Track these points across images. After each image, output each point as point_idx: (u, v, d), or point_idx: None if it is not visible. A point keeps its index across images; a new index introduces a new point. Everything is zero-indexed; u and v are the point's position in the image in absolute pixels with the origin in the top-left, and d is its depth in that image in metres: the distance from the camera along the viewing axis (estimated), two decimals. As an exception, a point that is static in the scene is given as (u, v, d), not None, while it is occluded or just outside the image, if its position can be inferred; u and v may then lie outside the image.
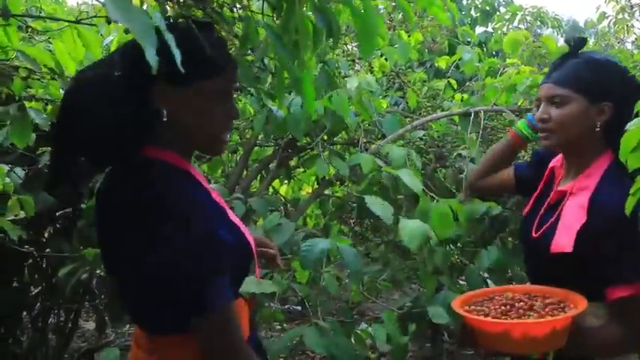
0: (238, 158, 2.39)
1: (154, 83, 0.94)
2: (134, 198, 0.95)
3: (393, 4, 2.60)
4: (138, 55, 0.92)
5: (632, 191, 1.28)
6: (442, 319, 1.83)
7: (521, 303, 1.22)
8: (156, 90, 0.95)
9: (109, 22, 0.98)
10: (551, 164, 1.45)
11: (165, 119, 0.96)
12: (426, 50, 3.48)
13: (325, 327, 1.65)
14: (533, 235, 1.35)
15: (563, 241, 1.23)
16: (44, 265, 2.47)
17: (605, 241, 1.19)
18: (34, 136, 1.67)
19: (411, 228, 1.69)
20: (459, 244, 2.31)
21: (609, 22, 4.01)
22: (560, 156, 1.43)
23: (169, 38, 0.60)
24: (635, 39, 4.09)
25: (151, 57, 0.56)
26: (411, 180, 1.77)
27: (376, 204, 1.73)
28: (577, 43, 1.34)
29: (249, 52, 1.55)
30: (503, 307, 1.22)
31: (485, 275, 2.22)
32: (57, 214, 1.99)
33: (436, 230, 1.75)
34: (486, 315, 1.20)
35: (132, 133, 0.97)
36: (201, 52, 0.92)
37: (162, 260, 0.92)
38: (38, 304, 2.54)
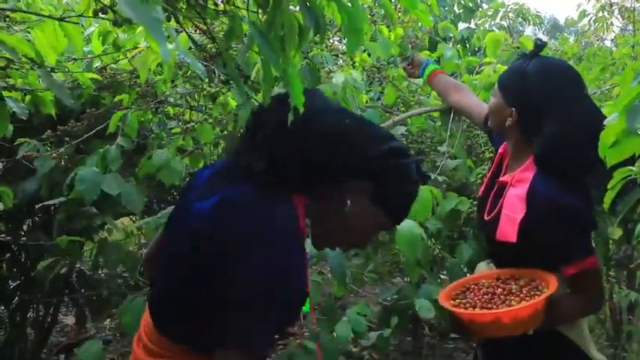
0: (220, 151, 2.38)
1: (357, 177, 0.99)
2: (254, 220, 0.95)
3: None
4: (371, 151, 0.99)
5: (609, 186, 1.33)
6: (429, 312, 1.86)
7: (500, 289, 1.33)
8: (358, 187, 1.00)
9: (96, 14, 0.96)
10: (501, 149, 1.55)
11: (345, 209, 0.99)
12: (410, 46, 3.48)
13: (312, 348, 1.67)
14: (485, 217, 1.46)
15: (507, 230, 1.35)
16: (23, 259, 2.44)
17: (546, 230, 1.31)
18: (11, 127, 1.64)
19: (406, 236, 1.71)
20: (439, 238, 2.33)
21: (589, 20, 4.07)
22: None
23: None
24: (615, 37, 4.16)
25: (164, 52, 0.57)
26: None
27: None
28: (536, 46, 1.44)
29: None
30: (486, 296, 1.31)
31: (465, 270, 2.25)
32: (36, 207, 1.96)
33: (415, 216, 1.77)
34: (474, 306, 1.30)
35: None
36: (406, 206, 1.07)
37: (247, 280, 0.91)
38: (16, 297, 2.51)
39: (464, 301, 1.33)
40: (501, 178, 1.47)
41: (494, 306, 1.28)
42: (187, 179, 1.23)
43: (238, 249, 0.92)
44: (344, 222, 1.02)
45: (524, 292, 1.29)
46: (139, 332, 1.11)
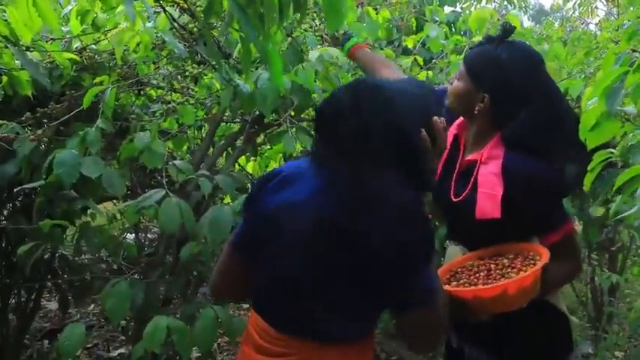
0: (204, 134, 2.35)
1: None
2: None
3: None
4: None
5: (589, 168, 1.34)
6: None
7: (493, 266, 1.32)
8: None
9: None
10: (453, 128, 1.54)
11: None
12: (395, 29, 3.46)
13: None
14: (453, 199, 1.46)
15: (487, 208, 1.35)
16: (3, 244, 2.40)
17: (529, 202, 1.34)
18: (-11, 109, 1.61)
19: None
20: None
21: (574, 5, 4.07)
22: (459, 121, 1.54)
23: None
24: (599, 21, 4.17)
25: (130, 10, 0.56)
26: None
27: None
28: (505, 30, 1.44)
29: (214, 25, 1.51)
30: (481, 274, 1.31)
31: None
32: (15, 190, 1.92)
33: None
34: (475, 285, 1.29)
35: None
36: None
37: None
38: (-3, 283, 2.47)
39: (461, 282, 1.31)
40: (468, 157, 1.46)
41: (494, 280, 1.27)
42: (259, 182, 1.26)
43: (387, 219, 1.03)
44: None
45: (519, 263, 1.29)
46: (248, 332, 1.19)
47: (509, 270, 1.28)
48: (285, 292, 1.12)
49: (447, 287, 1.30)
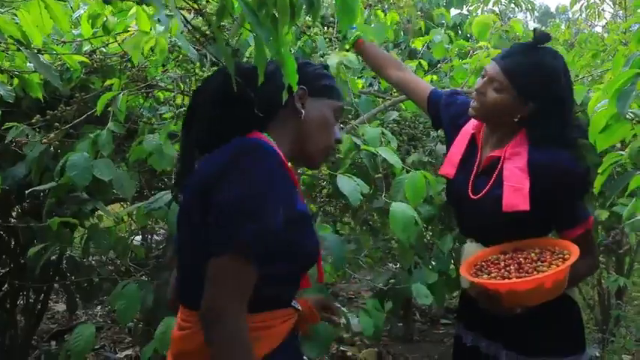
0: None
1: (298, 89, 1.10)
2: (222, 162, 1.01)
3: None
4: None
5: (600, 170, 1.35)
6: (426, 300, 1.84)
7: (521, 259, 1.34)
8: (298, 94, 1.12)
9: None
10: (469, 128, 1.55)
11: (302, 117, 1.12)
12: (402, 32, 3.46)
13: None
14: (472, 196, 1.46)
15: (516, 200, 1.37)
16: (12, 245, 2.42)
17: (555, 197, 1.37)
18: (-1, 110, 1.62)
19: (400, 219, 1.66)
20: (431, 224, 2.33)
21: (581, 7, 4.07)
22: (474, 122, 1.55)
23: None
24: (606, 23, 4.17)
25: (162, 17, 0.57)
26: (390, 156, 1.77)
27: (347, 184, 1.69)
28: (540, 37, 1.42)
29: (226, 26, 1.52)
30: (513, 268, 1.31)
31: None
32: (26, 192, 1.93)
33: (409, 200, 1.74)
34: (508, 278, 1.29)
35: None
36: (331, 81, 1.20)
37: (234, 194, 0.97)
38: (6, 284, 2.49)
39: (492, 275, 1.31)
40: (491, 154, 1.46)
41: (527, 274, 1.27)
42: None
43: (224, 171, 0.99)
44: (311, 126, 1.14)
45: (548, 257, 1.31)
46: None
47: (539, 263, 1.29)
48: (184, 274, 1.13)
49: (480, 280, 1.30)
